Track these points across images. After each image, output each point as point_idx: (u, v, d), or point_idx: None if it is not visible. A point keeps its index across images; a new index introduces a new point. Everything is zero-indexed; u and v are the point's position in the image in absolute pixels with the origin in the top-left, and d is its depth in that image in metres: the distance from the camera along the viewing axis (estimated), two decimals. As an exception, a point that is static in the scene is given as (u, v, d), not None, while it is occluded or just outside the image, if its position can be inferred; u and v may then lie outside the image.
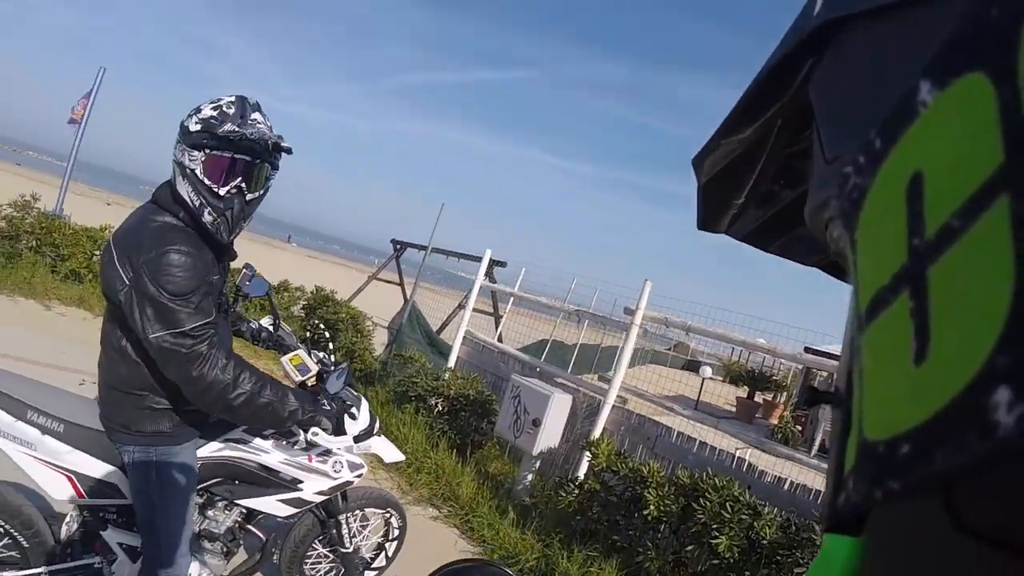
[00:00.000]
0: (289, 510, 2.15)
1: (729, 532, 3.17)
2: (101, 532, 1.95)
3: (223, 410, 1.73)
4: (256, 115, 1.74)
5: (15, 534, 1.89)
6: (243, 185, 1.72)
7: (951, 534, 0.20)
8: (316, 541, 2.53)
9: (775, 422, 10.50)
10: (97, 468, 1.85)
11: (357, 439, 2.24)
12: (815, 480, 3.59)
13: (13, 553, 1.91)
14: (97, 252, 6.96)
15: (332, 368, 2.33)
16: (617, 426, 4.56)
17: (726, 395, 12.13)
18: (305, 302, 8.20)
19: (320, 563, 2.58)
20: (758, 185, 0.65)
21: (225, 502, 2.10)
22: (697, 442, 4.17)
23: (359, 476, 2.27)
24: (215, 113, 1.68)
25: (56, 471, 1.83)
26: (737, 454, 4.05)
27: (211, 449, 1.98)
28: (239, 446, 2.03)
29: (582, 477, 4.18)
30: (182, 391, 1.72)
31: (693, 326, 4.41)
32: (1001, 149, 0.19)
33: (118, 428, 1.81)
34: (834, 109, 0.45)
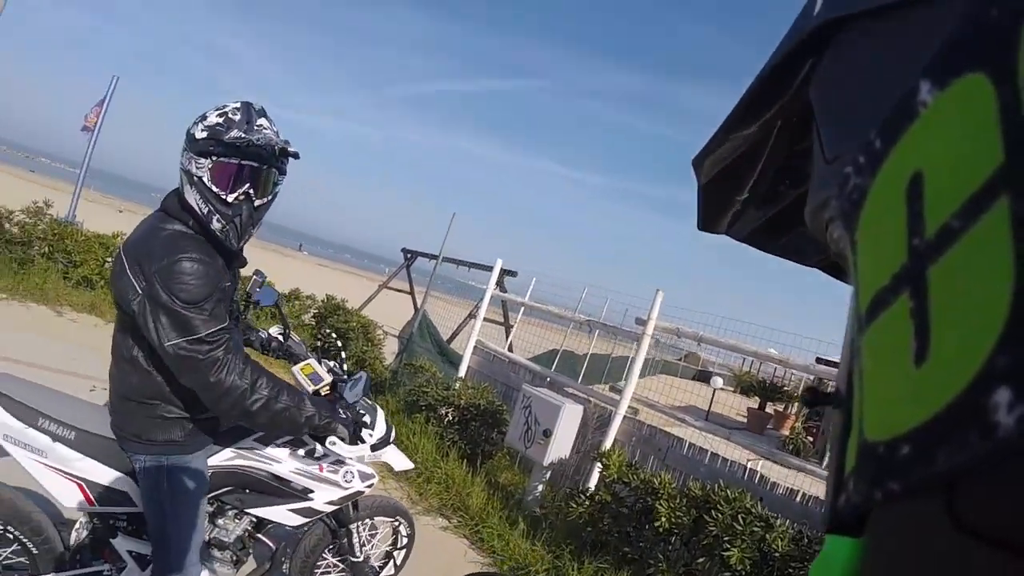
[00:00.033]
0: (299, 519, 2.15)
1: (741, 544, 3.13)
2: (111, 540, 1.95)
3: (240, 416, 1.73)
4: (262, 120, 1.74)
5: (24, 540, 1.89)
6: (251, 191, 1.71)
7: (952, 534, 0.20)
8: (326, 550, 2.52)
9: (786, 433, 10.39)
10: (108, 475, 1.85)
11: (374, 448, 2.23)
12: (828, 492, 3.54)
13: (22, 559, 1.91)
14: (109, 259, 7.02)
15: (345, 377, 2.32)
16: (628, 437, 4.53)
17: (737, 406, 12.03)
18: (316, 311, 8.23)
19: (330, 572, 2.57)
20: (758, 185, 0.65)
21: (235, 511, 2.09)
22: (709, 453, 4.13)
23: (370, 486, 2.26)
24: (221, 120, 1.68)
25: (66, 478, 1.83)
26: (749, 465, 4.01)
27: (222, 458, 1.98)
28: (250, 455, 2.03)
29: (593, 488, 4.15)
30: (199, 398, 1.72)
31: (705, 336, 4.39)
32: (1001, 149, 0.19)
33: (130, 437, 1.81)
34: (834, 109, 0.45)
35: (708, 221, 0.73)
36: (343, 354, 2.52)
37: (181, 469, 1.83)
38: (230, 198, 1.69)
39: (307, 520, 2.18)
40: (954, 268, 0.20)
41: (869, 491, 0.22)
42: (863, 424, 0.23)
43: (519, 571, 3.64)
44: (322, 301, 8.20)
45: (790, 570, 3.02)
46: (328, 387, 2.23)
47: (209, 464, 1.94)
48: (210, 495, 1.97)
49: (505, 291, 6.96)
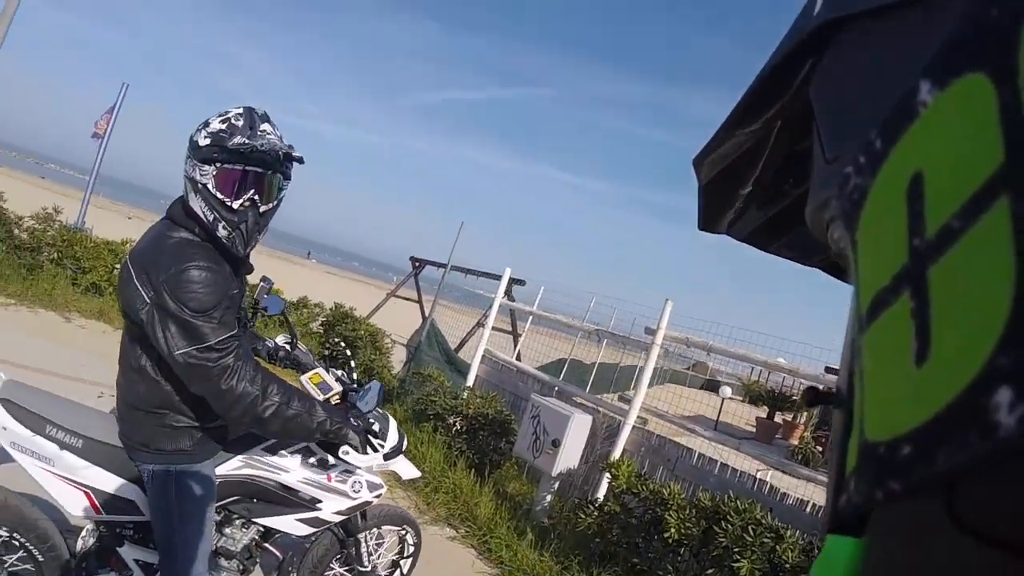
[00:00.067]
0: (307, 529, 2.14)
1: (751, 556, 3.10)
2: (117, 548, 1.94)
3: (252, 422, 1.73)
4: (265, 126, 1.72)
5: (30, 547, 1.88)
6: (256, 197, 1.70)
7: (952, 534, 0.20)
8: (334, 560, 2.51)
9: (795, 442, 10.30)
10: (115, 484, 1.85)
11: (387, 457, 2.23)
12: (839, 503, 3.50)
13: (28, 566, 1.91)
14: (118, 265, 7.07)
15: (354, 386, 2.32)
16: (637, 447, 4.51)
17: (745, 415, 11.93)
18: (324, 319, 8.23)
19: (337, 582, 2.56)
20: (759, 185, 0.65)
21: (242, 520, 2.09)
22: (718, 464, 4.10)
23: (378, 496, 2.25)
24: (224, 126, 1.66)
25: (73, 486, 1.82)
26: (758, 475, 3.97)
27: (230, 467, 1.98)
28: (258, 464, 2.02)
29: (602, 499, 4.12)
30: (211, 405, 1.71)
31: (715, 346, 4.37)
32: (1001, 149, 0.19)
33: (137, 446, 1.80)
34: (834, 109, 0.45)
35: (708, 221, 0.73)
36: (352, 363, 2.51)
37: (189, 478, 1.82)
38: (235, 205, 1.68)
39: (315, 530, 2.17)
40: (955, 268, 0.20)
41: (870, 491, 0.22)
42: (864, 424, 0.23)
43: (527, 582, 3.61)
44: (330, 309, 8.20)
45: (801, 582, 2.99)
46: (338, 396, 2.22)
47: (217, 473, 1.93)
48: (217, 504, 1.96)
49: (513, 300, 6.96)
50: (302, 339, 6.86)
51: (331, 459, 2.11)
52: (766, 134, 0.60)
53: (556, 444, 4.40)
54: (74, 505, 1.83)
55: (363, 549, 2.44)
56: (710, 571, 3.28)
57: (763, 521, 3.23)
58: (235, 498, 2.02)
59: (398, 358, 7.54)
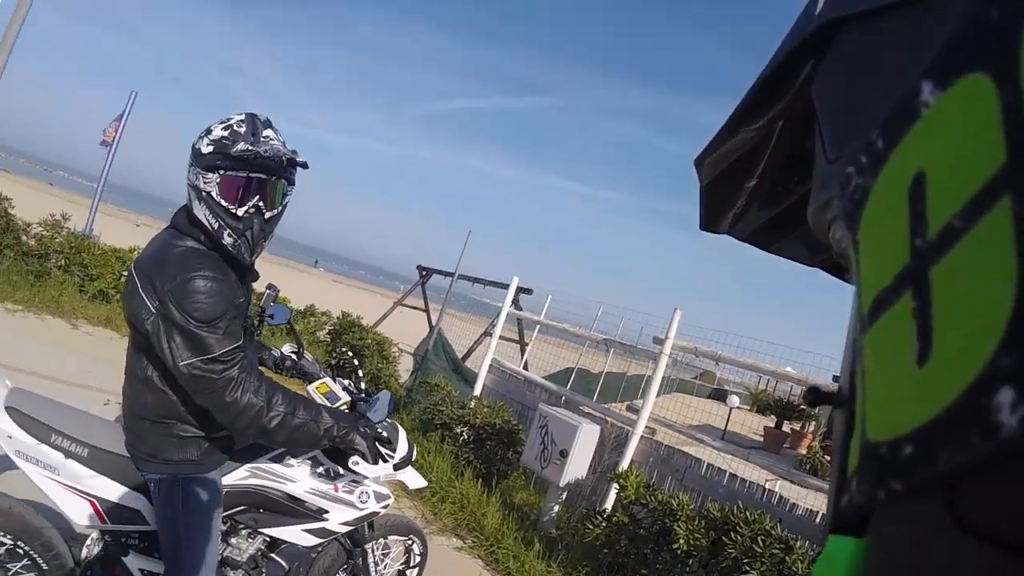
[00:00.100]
0: (313, 540, 2.12)
1: (760, 567, 3.07)
2: (122, 557, 1.92)
3: (258, 433, 1.72)
4: (268, 132, 1.70)
5: (34, 555, 1.86)
6: (261, 204, 1.68)
7: (954, 534, 0.19)
8: (340, 571, 2.50)
9: (803, 452, 10.22)
10: (120, 493, 1.83)
11: (396, 467, 2.21)
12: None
13: (32, 575, 1.89)
14: (125, 273, 7.11)
15: (362, 396, 2.31)
16: (645, 457, 4.48)
17: (752, 424, 11.84)
18: (331, 327, 8.24)
19: (344, 592, 2.55)
20: (760, 186, 0.65)
21: (249, 530, 2.07)
22: (727, 474, 4.07)
23: (385, 507, 2.23)
24: (226, 133, 1.65)
25: (78, 495, 1.81)
26: (767, 485, 3.94)
27: (236, 477, 1.97)
28: (264, 474, 2.01)
29: (610, 509, 4.10)
30: (216, 417, 1.70)
31: (723, 356, 4.34)
32: (1003, 149, 0.19)
33: (144, 456, 1.79)
34: (836, 109, 0.45)
35: (710, 221, 0.72)
36: (359, 372, 2.50)
37: (196, 488, 1.81)
38: (240, 212, 1.66)
39: (321, 540, 2.15)
40: (956, 268, 0.20)
41: (872, 491, 0.22)
42: (866, 424, 0.23)
43: (534, 593, 3.59)
44: (337, 318, 8.21)
45: (811, 594, 2.95)
46: (346, 407, 2.21)
47: (223, 483, 1.92)
48: (223, 514, 1.95)
49: (520, 309, 6.95)
50: (309, 348, 6.87)
51: (340, 469, 2.10)
52: (768, 134, 0.60)
53: (564, 454, 4.38)
54: (79, 514, 1.82)
55: (370, 559, 2.43)
56: (719, 583, 3.25)
57: (772, 532, 3.20)
58: (241, 508, 2.01)
59: (405, 367, 7.54)
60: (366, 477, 2.16)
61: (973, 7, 0.22)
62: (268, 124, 1.73)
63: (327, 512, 2.10)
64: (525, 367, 7.22)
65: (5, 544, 1.84)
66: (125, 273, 6.96)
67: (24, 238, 7.09)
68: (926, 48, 0.24)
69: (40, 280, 6.78)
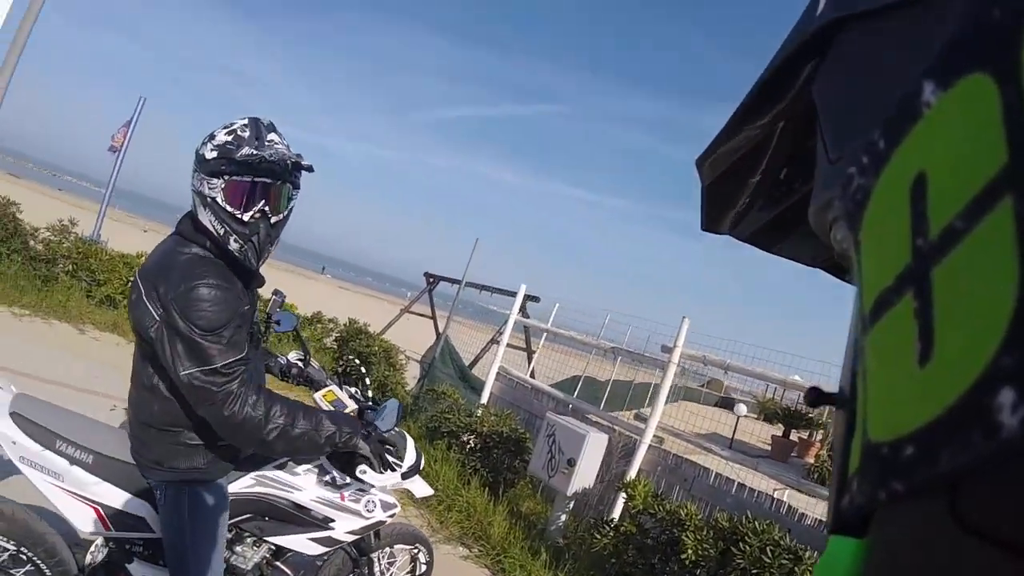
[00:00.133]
0: (319, 549, 2.11)
1: (770, 578, 3.04)
2: (126, 565, 1.91)
3: (258, 446, 1.71)
4: (272, 136, 1.69)
5: (38, 562, 1.85)
6: (266, 208, 1.67)
7: (955, 535, 0.19)
8: (346, 579, 2.49)
9: (811, 461, 10.15)
10: (125, 501, 1.82)
11: (404, 476, 2.20)
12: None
13: None
14: (133, 278, 7.06)
15: (370, 404, 2.30)
16: (653, 466, 4.45)
17: (759, 433, 11.78)
18: (338, 334, 8.24)
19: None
20: (761, 186, 0.65)
21: (254, 538, 2.06)
22: (736, 484, 4.04)
23: (392, 516, 2.22)
24: (230, 138, 1.64)
25: (83, 502, 1.80)
26: (775, 495, 3.90)
27: (242, 485, 1.96)
28: (270, 482, 2.00)
29: (617, 519, 4.07)
30: (214, 429, 1.70)
31: (732, 364, 4.32)
32: (1005, 150, 0.19)
33: (150, 464, 1.78)
34: (837, 109, 0.45)
35: (711, 221, 0.72)
36: (366, 380, 2.49)
37: (203, 496, 1.80)
38: (246, 217, 1.66)
39: (327, 549, 2.14)
40: (958, 269, 0.20)
41: (873, 491, 0.22)
42: (867, 425, 0.23)
43: (541, 603, 3.56)
44: (344, 325, 8.21)
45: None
46: (353, 415, 2.21)
47: (229, 491, 1.91)
48: (229, 522, 1.94)
49: (527, 316, 6.95)
50: (315, 355, 6.88)
51: (346, 478, 2.09)
52: (769, 134, 0.60)
53: (572, 463, 4.36)
54: (83, 521, 1.81)
55: (375, 568, 2.42)
56: (728, 593, 3.22)
57: (781, 542, 3.17)
58: (247, 516, 2.00)
59: (412, 374, 7.54)
60: (372, 486, 2.15)
61: (974, 7, 0.22)
62: (272, 128, 1.72)
63: (333, 521, 2.09)
64: (532, 375, 7.21)
65: (8, 550, 1.83)
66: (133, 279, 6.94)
67: (32, 243, 7.09)
68: (927, 48, 0.24)
69: (47, 285, 6.79)
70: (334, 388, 2.31)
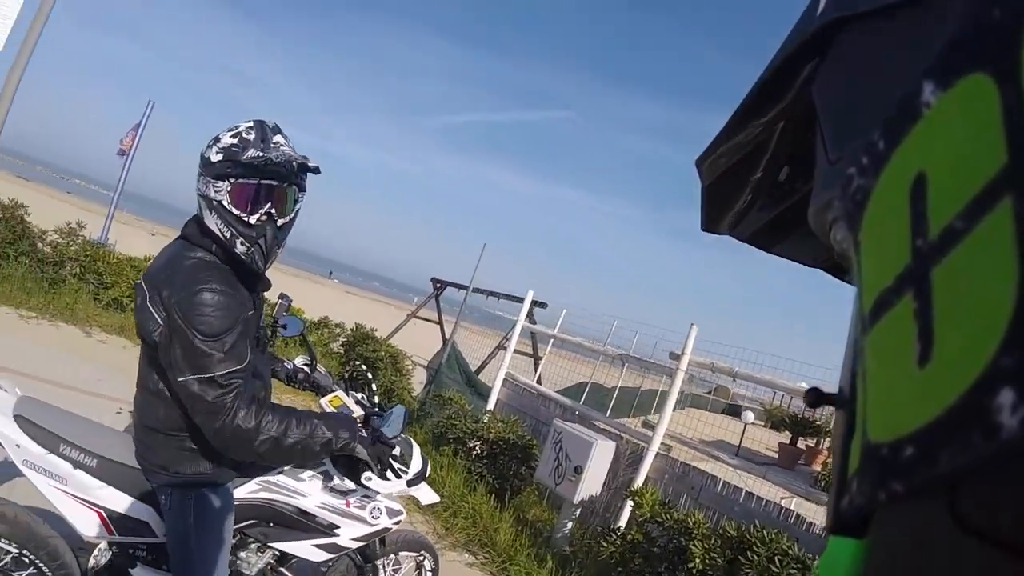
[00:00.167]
0: (324, 555, 2.10)
1: (778, 588, 3.01)
2: (130, 569, 1.90)
3: (251, 456, 1.69)
4: (278, 137, 1.68)
5: (40, 565, 1.84)
6: (273, 211, 1.66)
7: (955, 535, 0.19)
8: (351, 586, 2.48)
9: (818, 468, 10.07)
10: (129, 505, 1.82)
11: (410, 484, 2.20)
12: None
13: None
14: (138, 282, 7.05)
15: (376, 410, 2.30)
16: (661, 474, 4.43)
17: (766, 440, 11.71)
18: (345, 339, 8.25)
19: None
20: (761, 186, 0.65)
21: (258, 544, 2.05)
22: (744, 492, 4.01)
23: (397, 523, 2.21)
24: (235, 141, 1.63)
25: (86, 506, 1.79)
26: (783, 504, 3.87)
27: (247, 490, 1.95)
28: (275, 488, 2.00)
29: (624, 527, 4.05)
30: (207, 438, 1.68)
31: (740, 372, 4.30)
32: (1004, 150, 0.19)
33: (156, 468, 1.77)
34: (837, 109, 0.45)
35: (711, 221, 0.73)
36: (373, 386, 2.49)
37: (208, 501, 1.79)
38: (252, 219, 1.64)
39: (332, 556, 2.13)
40: (957, 269, 0.20)
41: (873, 492, 0.22)
42: (867, 425, 0.23)
43: (547, 611, 3.54)
44: (351, 330, 8.22)
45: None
46: (360, 420, 2.20)
47: (234, 496, 1.90)
48: (234, 527, 1.92)
49: (534, 322, 6.94)
50: (322, 359, 6.89)
51: (352, 484, 2.08)
52: (769, 134, 0.60)
53: (579, 471, 4.34)
54: (87, 525, 1.80)
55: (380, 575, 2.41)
56: (735, 603, 3.19)
57: (790, 552, 3.14)
58: (251, 522, 1.99)
59: (418, 380, 7.54)
60: (378, 492, 2.15)
61: (974, 7, 0.22)
62: (277, 130, 1.71)
63: (338, 527, 2.08)
64: (539, 381, 7.20)
65: (11, 553, 1.82)
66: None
67: (39, 245, 7.12)
68: (927, 48, 0.24)
69: (55, 287, 6.81)
70: (340, 393, 2.31)
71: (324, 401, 2.27)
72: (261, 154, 1.61)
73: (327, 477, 2.10)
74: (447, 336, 7.84)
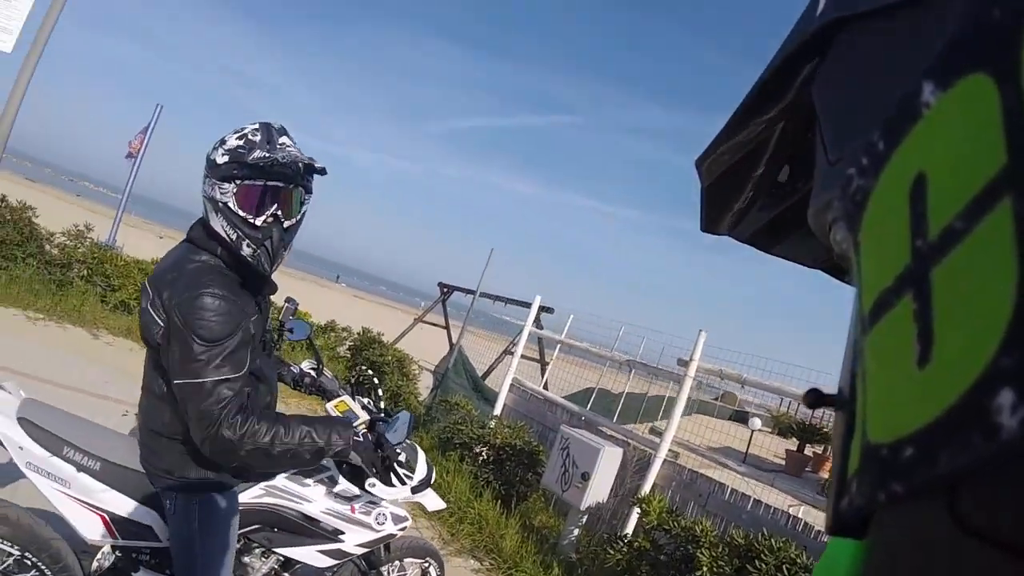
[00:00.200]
0: (328, 561, 2.10)
1: (786, 597, 2.98)
2: (133, 573, 1.89)
3: (239, 464, 1.67)
4: (284, 139, 1.67)
5: (42, 567, 1.83)
6: (279, 212, 1.66)
7: (955, 536, 0.19)
8: (355, 592, 2.47)
9: (825, 476, 9.99)
10: (133, 509, 1.81)
11: (415, 490, 2.19)
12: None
13: None
14: (143, 284, 7.06)
15: (382, 415, 2.30)
16: (668, 481, 4.41)
17: (773, 447, 11.64)
18: (351, 343, 8.26)
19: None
20: (761, 187, 0.65)
21: (263, 549, 2.05)
22: (751, 500, 3.98)
23: (403, 529, 2.21)
24: (241, 142, 1.62)
25: (90, 510, 1.79)
26: (791, 511, 3.85)
27: (252, 495, 1.95)
28: (280, 493, 1.99)
29: (631, 534, 4.03)
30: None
31: (749, 379, 4.28)
32: (1004, 150, 0.19)
33: (161, 472, 1.77)
34: (837, 110, 0.45)
35: (711, 222, 0.73)
36: (379, 391, 2.49)
37: (213, 506, 1.78)
38: (258, 221, 1.64)
39: (336, 562, 2.12)
40: (957, 269, 0.20)
41: (872, 493, 0.22)
42: (866, 426, 0.23)
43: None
44: (358, 334, 8.24)
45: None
46: (365, 426, 2.21)
47: (239, 501, 1.90)
48: (238, 532, 1.91)
49: (541, 327, 6.94)
50: (329, 363, 6.90)
51: (357, 490, 2.08)
52: (769, 135, 0.60)
53: (586, 477, 4.33)
54: (90, 528, 1.80)
55: (385, 582, 2.40)
56: (743, 612, 3.16)
57: (798, 560, 3.12)
58: (256, 527, 1.99)
59: (425, 384, 7.54)
60: (383, 498, 2.14)
61: (974, 7, 0.22)
62: (283, 131, 1.71)
63: (343, 533, 2.08)
64: (546, 387, 7.19)
65: (13, 555, 1.82)
66: (146, 285, 6.97)
67: (47, 247, 7.15)
68: (927, 48, 0.24)
69: (62, 289, 6.84)
70: (346, 398, 2.31)
71: (330, 406, 2.27)
72: (267, 155, 1.61)
73: (332, 483, 2.10)
74: (454, 341, 7.84)
